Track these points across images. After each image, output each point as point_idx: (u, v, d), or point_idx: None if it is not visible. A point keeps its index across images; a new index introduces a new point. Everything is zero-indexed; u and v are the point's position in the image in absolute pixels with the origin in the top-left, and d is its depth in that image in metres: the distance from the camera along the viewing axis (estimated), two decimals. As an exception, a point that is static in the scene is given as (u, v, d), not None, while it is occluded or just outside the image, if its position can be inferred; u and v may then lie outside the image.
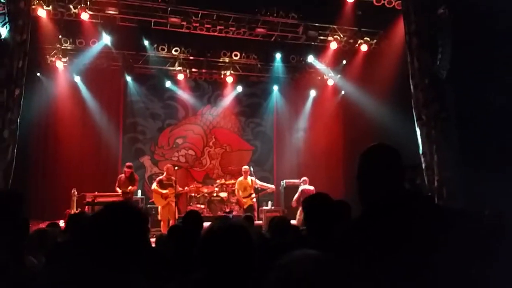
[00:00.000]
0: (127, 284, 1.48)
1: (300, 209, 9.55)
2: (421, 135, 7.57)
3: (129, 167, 8.93)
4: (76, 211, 8.13)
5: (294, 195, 9.66)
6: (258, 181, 9.64)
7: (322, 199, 2.63)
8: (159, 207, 8.92)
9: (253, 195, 9.27)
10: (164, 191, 8.77)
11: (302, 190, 9.24)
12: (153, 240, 5.87)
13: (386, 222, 1.64)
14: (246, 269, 1.49)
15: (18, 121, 6.98)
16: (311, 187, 9.32)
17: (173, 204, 8.78)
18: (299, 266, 1.06)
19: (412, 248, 1.54)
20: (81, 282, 1.44)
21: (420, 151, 7.54)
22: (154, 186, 8.95)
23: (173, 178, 9.05)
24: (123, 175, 8.91)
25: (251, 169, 9.61)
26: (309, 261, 1.06)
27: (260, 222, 8.80)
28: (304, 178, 9.70)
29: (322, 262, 1.06)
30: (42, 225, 5.34)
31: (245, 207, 9.26)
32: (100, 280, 1.44)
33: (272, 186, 10.17)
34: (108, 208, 1.62)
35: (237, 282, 1.47)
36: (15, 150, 6.86)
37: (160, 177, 9.17)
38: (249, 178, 9.40)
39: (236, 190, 9.55)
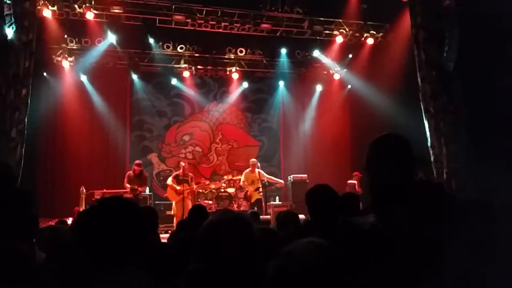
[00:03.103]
0: (129, 280, 1.47)
1: None
2: (429, 127, 7.53)
3: (138, 165, 8.92)
4: (85, 208, 8.19)
5: (302, 189, 9.67)
6: (265, 174, 9.57)
7: (323, 191, 2.62)
8: (173, 203, 8.99)
9: (260, 189, 9.19)
10: (178, 187, 8.86)
11: (348, 184, 9.99)
12: (166, 236, 5.92)
13: (395, 212, 1.63)
14: (247, 261, 1.47)
15: (26, 120, 7.04)
16: (354, 181, 10.02)
17: (188, 200, 8.83)
18: (299, 254, 1.05)
19: (423, 238, 1.53)
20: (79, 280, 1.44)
21: (428, 144, 7.50)
22: (170, 181, 9.03)
23: (190, 174, 9.13)
24: (131, 172, 8.94)
25: (258, 164, 9.58)
26: (309, 249, 1.06)
27: (268, 217, 8.78)
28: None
29: (322, 250, 1.05)
30: (51, 223, 5.39)
31: (252, 201, 9.18)
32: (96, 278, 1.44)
33: (281, 181, 10.15)
34: (102, 204, 1.62)
35: (237, 273, 1.46)
36: (24, 149, 6.92)
37: (177, 172, 9.24)
38: (256, 171, 9.33)
39: (241, 182, 9.45)
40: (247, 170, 9.43)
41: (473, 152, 6.63)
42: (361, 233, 2.00)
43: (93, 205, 1.68)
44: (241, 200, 10.06)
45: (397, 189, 1.71)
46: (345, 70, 12.45)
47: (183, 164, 9.51)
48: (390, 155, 1.77)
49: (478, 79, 6.57)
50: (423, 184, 1.87)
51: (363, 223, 2.29)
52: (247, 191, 9.35)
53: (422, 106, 7.67)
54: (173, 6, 9.68)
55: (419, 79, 7.74)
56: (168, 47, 11.02)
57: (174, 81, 11.97)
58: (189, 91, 12.28)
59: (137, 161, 9.15)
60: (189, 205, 8.73)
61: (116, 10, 9.56)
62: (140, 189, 8.79)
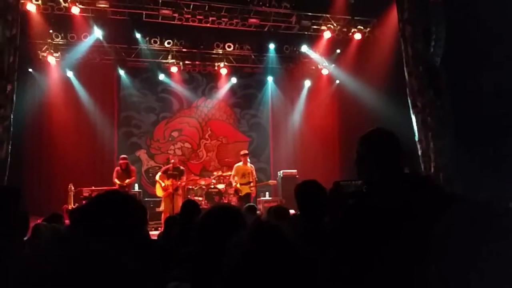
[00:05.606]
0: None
1: None
2: (416, 122, 7.59)
3: (124, 158, 8.96)
4: (74, 206, 8.11)
5: (292, 185, 9.67)
6: (254, 173, 9.43)
7: (312, 186, 2.67)
8: (162, 199, 8.95)
9: (252, 183, 8.92)
10: (163, 183, 8.80)
11: None
12: (156, 233, 5.89)
13: (384, 202, 1.64)
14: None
15: (11, 117, 6.93)
16: None
17: (179, 196, 8.69)
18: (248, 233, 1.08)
19: (411, 229, 1.54)
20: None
21: (416, 138, 7.57)
22: (158, 176, 8.99)
23: (181, 168, 9.03)
24: (119, 168, 8.90)
25: (248, 159, 9.49)
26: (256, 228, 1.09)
27: (259, 212, 8.78)
28: None
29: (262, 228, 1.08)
30: (39, 221, 5.32)
31: (241, 194, 8.83)
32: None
33: (273, 181, 10.15)
34: (100, 196, 1.61)
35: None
36: (10, 147, 6.81)
37: (166, 167, 9.18)
38: (248, 164, 9.07)
39: (231, 176, 9.14)
40: (239, 164, 9.09)
41: (460, 147, 6.71)
42: (344, 195, 2.04)
43: (98, 196, 1.64)
44: (231, 196, 10.03)
45: (387, 182, 1.73)
46: (333, 65, 12.48)
47: (170, 158, 9.56)
48: (379, 149, 1.79)
49: (465, 74, 6.64)
50: (412, 176, 1.89)
51: (347, 186, 2.33)
52: (236, 185, 9.12)
53: (409, 101, 7.73)
54: (160, 1, 9.59)
55: (406, 74, 7.79)
56: (155, 42, 10.93)
57: (161, 77, 11.88)
58: (177, 86, 12.21)
59: (122, 156, 9.17)
60: (180, 201, 8.65)
61: (102, 4, 9.44)
62: (128, 181, 8.78)
